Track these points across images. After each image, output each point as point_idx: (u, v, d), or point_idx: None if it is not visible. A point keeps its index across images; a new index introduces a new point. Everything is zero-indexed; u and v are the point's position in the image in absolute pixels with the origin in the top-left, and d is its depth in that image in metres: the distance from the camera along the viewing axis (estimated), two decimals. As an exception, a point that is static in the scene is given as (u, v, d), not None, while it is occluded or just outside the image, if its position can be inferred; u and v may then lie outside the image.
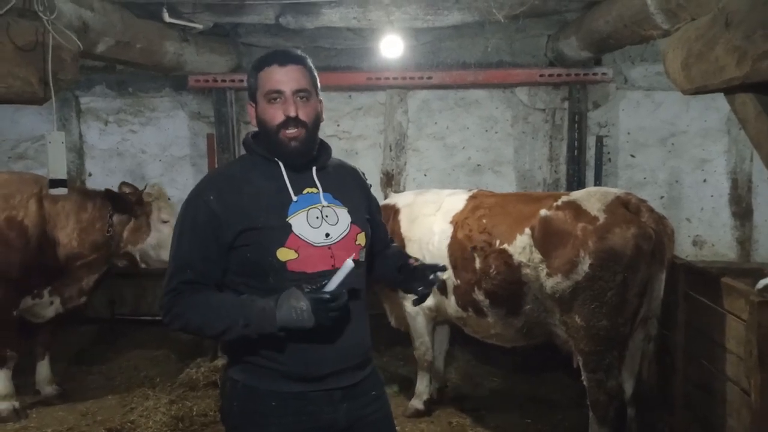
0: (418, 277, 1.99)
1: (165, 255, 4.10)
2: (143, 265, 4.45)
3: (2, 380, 4.19)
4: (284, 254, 1.82)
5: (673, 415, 3.69)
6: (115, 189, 4.34)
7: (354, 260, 1.83)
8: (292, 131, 1.86)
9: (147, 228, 4.32)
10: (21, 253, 4.04)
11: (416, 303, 2.02)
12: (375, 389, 1.99)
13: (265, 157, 1.93)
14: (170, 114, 5.77)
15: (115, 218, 4.26)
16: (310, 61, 1.94)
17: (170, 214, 4.31)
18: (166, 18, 4.26)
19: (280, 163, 1.91)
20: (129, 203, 4.27)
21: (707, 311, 3.31)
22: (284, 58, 1.89)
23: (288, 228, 1.84)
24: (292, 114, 1.85)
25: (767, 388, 2.74)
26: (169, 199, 4.52)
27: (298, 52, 1.94)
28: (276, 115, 1.86)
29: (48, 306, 4.28)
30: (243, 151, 2.04)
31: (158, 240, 4.30)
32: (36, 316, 4.30)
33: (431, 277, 1.96)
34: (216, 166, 5.35)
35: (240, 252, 1.84)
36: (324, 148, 2.02)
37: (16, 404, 4.20)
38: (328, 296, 1.74)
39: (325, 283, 1.78)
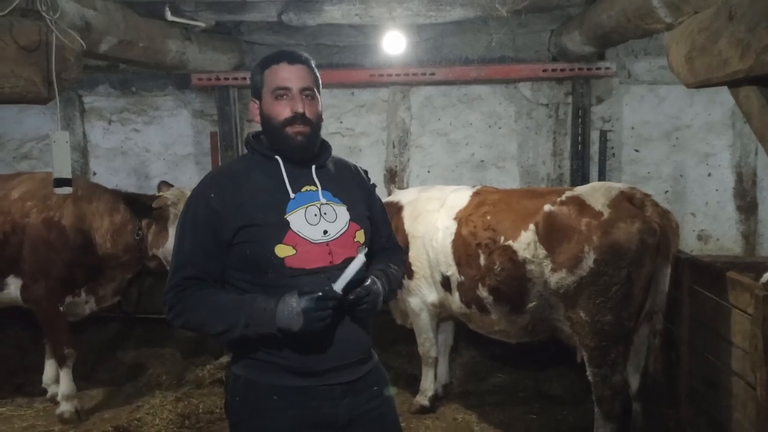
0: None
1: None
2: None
3: (65, 380, 4.18)
4: (282, 251, 1.84)
5: (679, 409, 3.69)
6: (121, 187, 4.32)
7: (351, 258, 1.84)
8: (298, 127, 1.89)
9: (165, 233, 4.20)
10: (63, 253, 4.07)
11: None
12: (377, 384, 2.00)
13: (265, 155, 1.95)
14: (173, 112, 5.77)
15: (144, 221, 4.23)
16: (314, 62, 1.98)
17: None
18: (169, 17, 4.27)
19: (280, 161, 1.92)
20: (143, 206, 4.21)
21: (712, 306, 3.30)
22: (292, 57, 1.94)
23: (286, 225, 1.86)
24: (300, 110, 1.89)
25: (773, 382, 2.73)
26: None
27: (304, 53, 1.98)
28: (283, 111, 1.89)
29: (84, 304, 4.32)
30: (246, 150, 2.05)
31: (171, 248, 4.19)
32: (73, 315, 4.32)
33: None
34: (219, 164, 5.36)
35: (239, 248, 1.86)
36: (324, 146, 2.04)
37: (78, 405, 4.20)
38: (319, 294, 1.74)
39: (331, 287, 1.78)
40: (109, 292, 4.36)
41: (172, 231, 4.12)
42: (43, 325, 4.26)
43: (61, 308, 4.16)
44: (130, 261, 4.30)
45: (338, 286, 1.79)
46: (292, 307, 1.75)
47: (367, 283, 1.87)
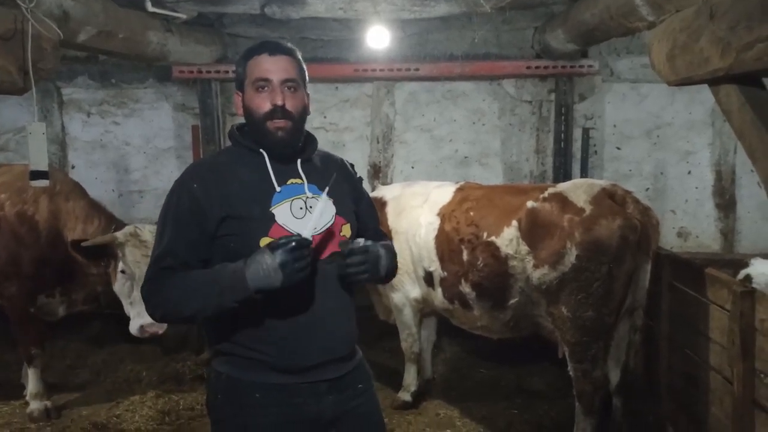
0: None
1: (124, 304, 3.90)
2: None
3: (32, 379, 4.14)
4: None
5: (659, 404, 3.73)
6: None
7: (338, 252, 1.82)
8: (279, 122, 1.85)
9: (115, 271, 3.90)
10: (33, 249, 3.98)
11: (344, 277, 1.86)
12: (362, 382, 1.98)
13: (250, 148, 1.92)
14: (154, 105, 5.69)
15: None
16: (299, 54, 1.94)
17: (130, 263, 3.78)
18: (149, 7, 4.19)
19: (265, 155, 1.89)
20: (94, 254, 3.89)
21: (691, 301, 3.34)
22: (274, 47, 1.89)
23: (271, 218, 1.83)
24: (279, 103, 1.84)
25: (749, 376, 2.78)
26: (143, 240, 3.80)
27: (288, 44, 1.93)
28: (263, 103, 1.86)
29: (59, 306, 4.23)
30: (228, 143, 2.02)
31: (118, 289, 3.91)
32: (49, 315, 4.23)
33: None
34: (201, 157, 5.31)
35: (223, 241, 1.83)
36: (310, 140, 2.01)
37: (48, 404, 4.14)
38: (293, 244, 1.67)
39: (300, 235, 1.71)
40: (80, 299, 4.25)
41: (117, 274, 3.88)
42: (12, 324, 4.17)
43: (32, 309, 4.08)
44: (98, 275, 4.08)
45: (307, 232, 1.72)
46: (267, 264, 1.66)
47: (369, 243, 1.78)
